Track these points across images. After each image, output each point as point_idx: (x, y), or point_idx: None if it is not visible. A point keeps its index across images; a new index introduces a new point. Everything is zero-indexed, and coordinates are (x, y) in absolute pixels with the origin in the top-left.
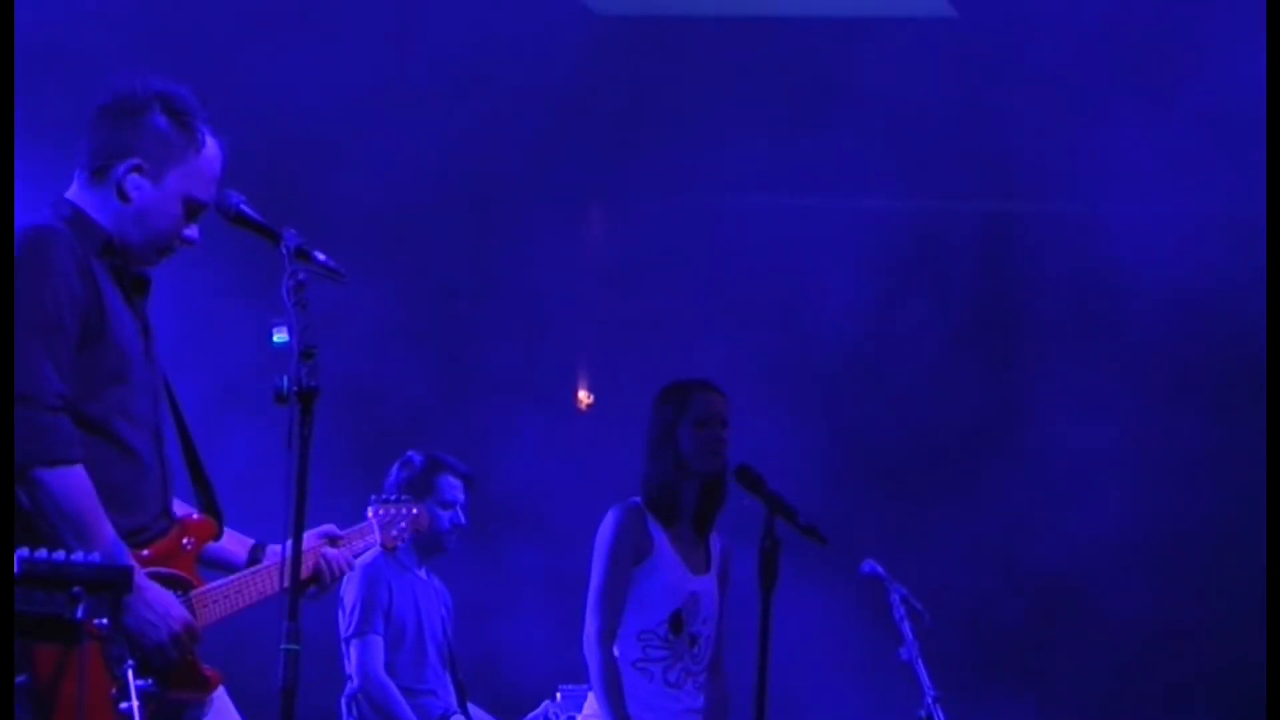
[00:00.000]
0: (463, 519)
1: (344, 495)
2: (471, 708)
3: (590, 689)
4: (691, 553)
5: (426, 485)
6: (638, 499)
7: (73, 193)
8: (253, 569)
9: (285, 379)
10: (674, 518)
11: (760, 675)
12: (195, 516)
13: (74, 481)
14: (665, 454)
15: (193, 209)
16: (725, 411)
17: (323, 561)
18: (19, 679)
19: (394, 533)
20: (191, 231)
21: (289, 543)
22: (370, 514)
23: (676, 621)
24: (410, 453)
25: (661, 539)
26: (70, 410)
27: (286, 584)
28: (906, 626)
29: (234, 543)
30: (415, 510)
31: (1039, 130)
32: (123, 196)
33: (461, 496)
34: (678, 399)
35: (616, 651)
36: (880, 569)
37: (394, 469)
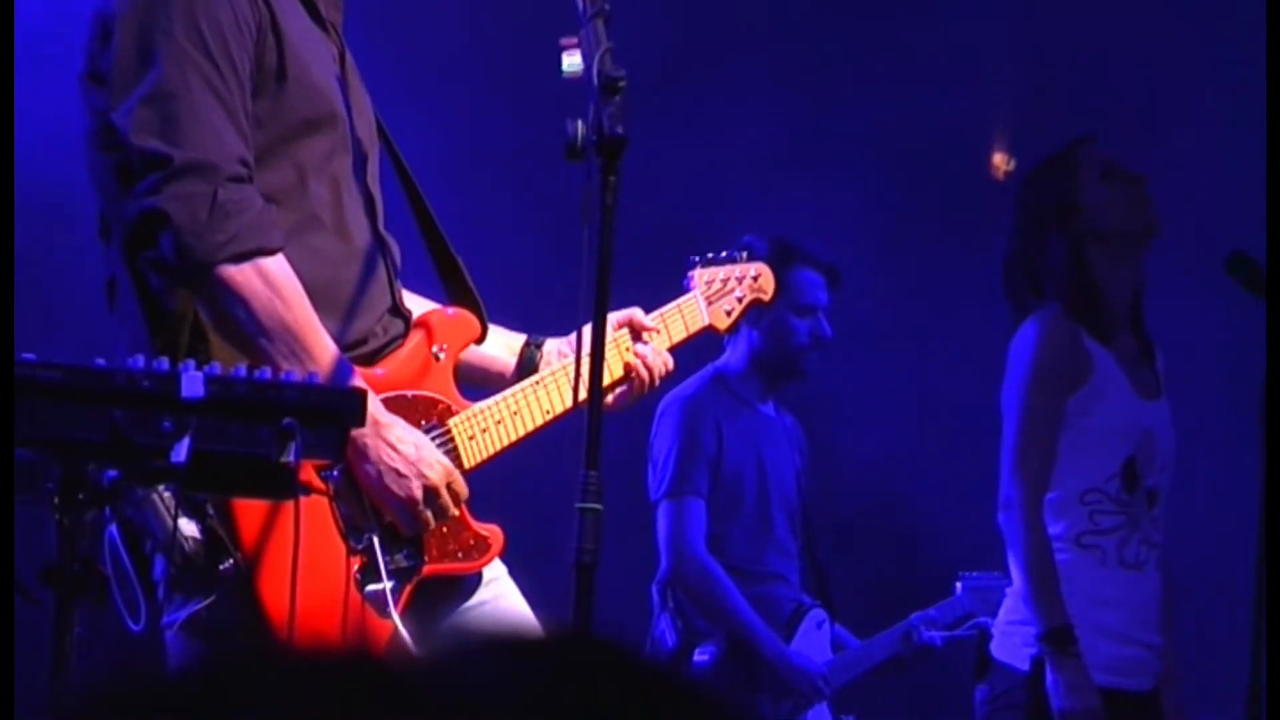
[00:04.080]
0: (827, 329)
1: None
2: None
3: (1003, 581)
4: (1139, 373)
5: (777, 282)
6: (1056, 305)
7: None
8: (532, 380)
9: (578, 124)
10: (1111, 324)
11: None
12: (448, 311)
13: (277, 278)
14: (1070, 234)
15: None
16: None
17: (632, 359)
18: (223, 567)
19: (728, 306)
20: None
21: (585, 333)
22: (693, 282)
23: (1131, 472)
24: (748, 237)
25: (1102, 356)
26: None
27: (582, 399)
28: None
29: (496, 342)
30: (755, 271)
31: None
32: None
33: (824, 298)
34: (1065, 161)
35: (1051, 525)
36: None
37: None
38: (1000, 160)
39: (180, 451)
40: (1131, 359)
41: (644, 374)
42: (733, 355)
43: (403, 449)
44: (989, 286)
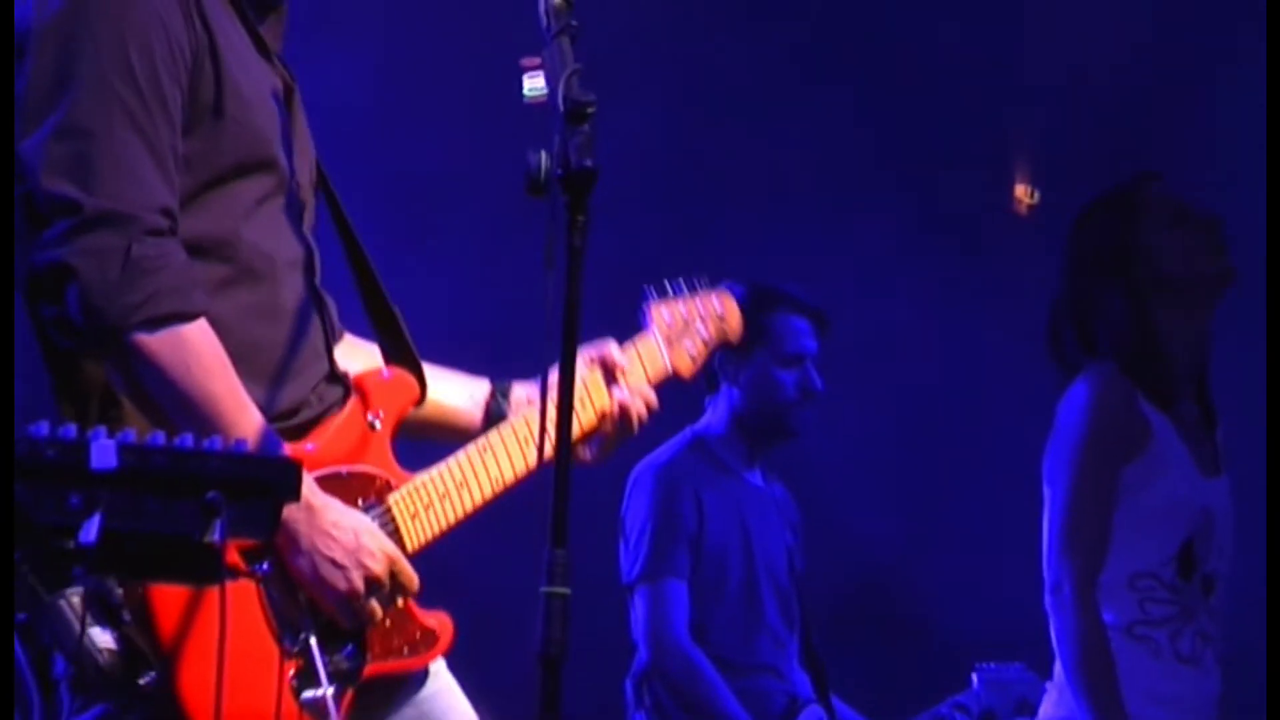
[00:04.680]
0: (816, 381)
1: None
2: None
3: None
4: (1199, 444)
5: (756, 330)
6: (1111, 362)
7: None
8: (478, 445)
9: (542, 155)
10: (1173, 386)
11: None
12: (384, 373)
13: (196, 346)
14: (1130, 282)
15: None
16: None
17: (610, 407)
18: (142, 682)
19: (691, 349)
20: None
21: (551, 379)
22: (649, 318)
23: (1188, 556)
24: (727, 283)
25: (1161, 424)
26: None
27: (547, 457)
28: None
29: (459, 392)
30: (720, 304)
31: None
32: None
33: (812, 345)
34: (1127, 201)
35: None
36: None
37: None
38: (1023, 193)
39: (90, 531)
40: (1192, 428)
41: (625, 419)
42: (713, 416)
43: (340, 535)
44: (1009, 330)
